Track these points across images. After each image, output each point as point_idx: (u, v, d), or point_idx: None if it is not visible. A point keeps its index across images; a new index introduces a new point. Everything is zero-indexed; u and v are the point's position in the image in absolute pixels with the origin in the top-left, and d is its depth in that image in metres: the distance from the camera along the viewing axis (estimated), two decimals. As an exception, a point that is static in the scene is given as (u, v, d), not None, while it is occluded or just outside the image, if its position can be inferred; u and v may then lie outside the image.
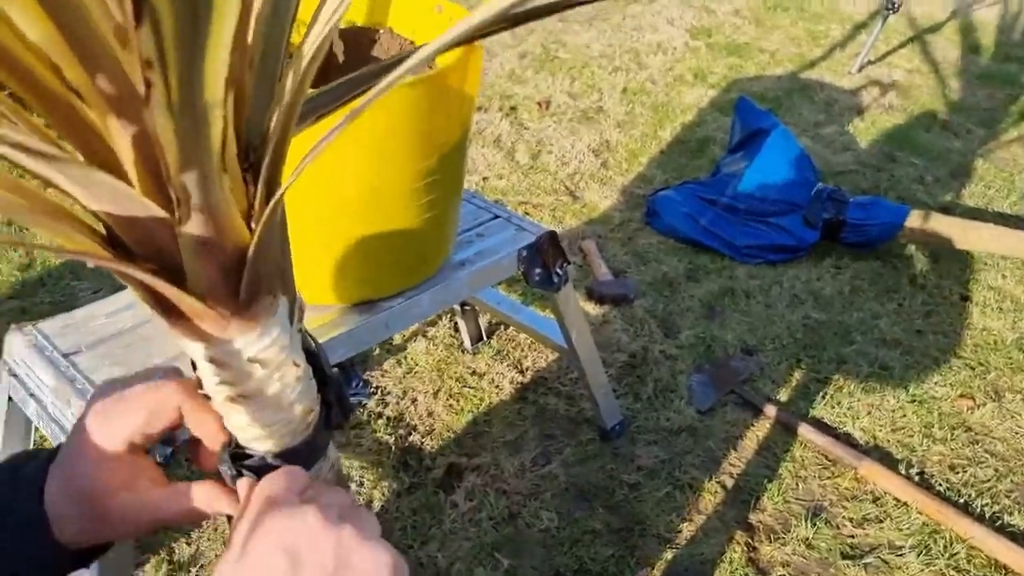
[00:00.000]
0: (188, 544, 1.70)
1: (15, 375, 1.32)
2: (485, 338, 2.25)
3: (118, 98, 0.38)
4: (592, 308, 2.37)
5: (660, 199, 2.74)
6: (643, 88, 3.70)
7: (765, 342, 2.27)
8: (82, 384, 1.23)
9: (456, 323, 2.26)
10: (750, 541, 1.74)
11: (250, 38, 0.45)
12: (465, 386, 2.11)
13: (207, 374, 0.50)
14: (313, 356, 0.57)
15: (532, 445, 1.94)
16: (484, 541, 1.72)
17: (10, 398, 1.37)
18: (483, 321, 2.25)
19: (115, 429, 0.58)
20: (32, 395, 1.29)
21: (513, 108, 3.50)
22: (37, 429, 1.47)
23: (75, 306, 1.41)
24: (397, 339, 2.25)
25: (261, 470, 0.53)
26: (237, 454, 0.53)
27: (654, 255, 2.59)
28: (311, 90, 0.59)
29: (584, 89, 3.68)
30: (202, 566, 1.66)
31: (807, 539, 1.74)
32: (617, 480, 1.85)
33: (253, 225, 0.46)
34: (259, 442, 0.53)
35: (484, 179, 3.00)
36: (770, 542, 1.74)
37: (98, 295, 2.25)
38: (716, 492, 1.84)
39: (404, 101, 1.16)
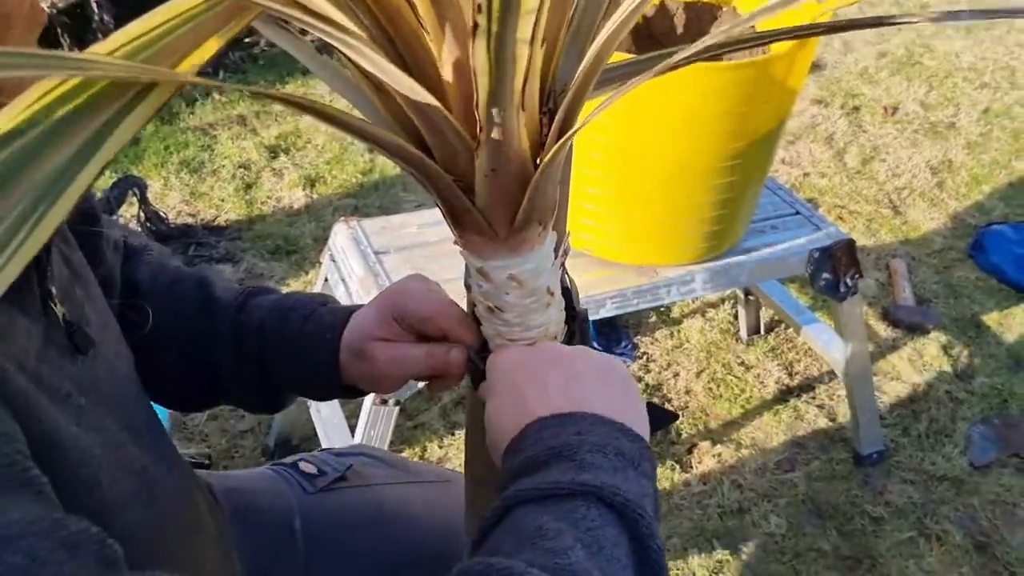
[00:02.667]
0: (440, 447, 1.87)
1: (334, 260, 1.53)
2: (763, 332, 2.22)
3: (453, 32, 0.46)
4: (883, 330, 2.25)
5: (992, 233, 2.52)
6: (1008, 111, 3.37)
7: (1073, 414, 2.04)
8: (384, 280, 1.40)
9: (737, 311, 2.25)
10: (992, 614, 1.61)
11: (573, 4, 0.51)
12: (730, 374, 2.10)
13: (474, 282, 0.58)
14: (566, 292, 0.63)
15: (780, 449, 1.91)
16: (706, 527, 1.73)
17: (326, 279, 1.59)
18: (765, 315, 2.22)
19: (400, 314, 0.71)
20: (343, 280, 1.49)
21: (856, 108, 3.33)
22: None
23: (396, 213, 1.59)
24: (675, 312, 2.28)
25: None
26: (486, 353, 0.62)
27: (968, 291, 2.39)
28: (626, 55, 0.65)
29: (940, 101, 3.42)
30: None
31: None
32: (859, 508, 1.78)
33: (539, 161, 0.52)
34: (503, 351, 0.60)
35: (805, 174, 2.91)
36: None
37: (417, 209, 2.49)
38: (967, 552, 1.70)
39: (722, 82, 1.18)
